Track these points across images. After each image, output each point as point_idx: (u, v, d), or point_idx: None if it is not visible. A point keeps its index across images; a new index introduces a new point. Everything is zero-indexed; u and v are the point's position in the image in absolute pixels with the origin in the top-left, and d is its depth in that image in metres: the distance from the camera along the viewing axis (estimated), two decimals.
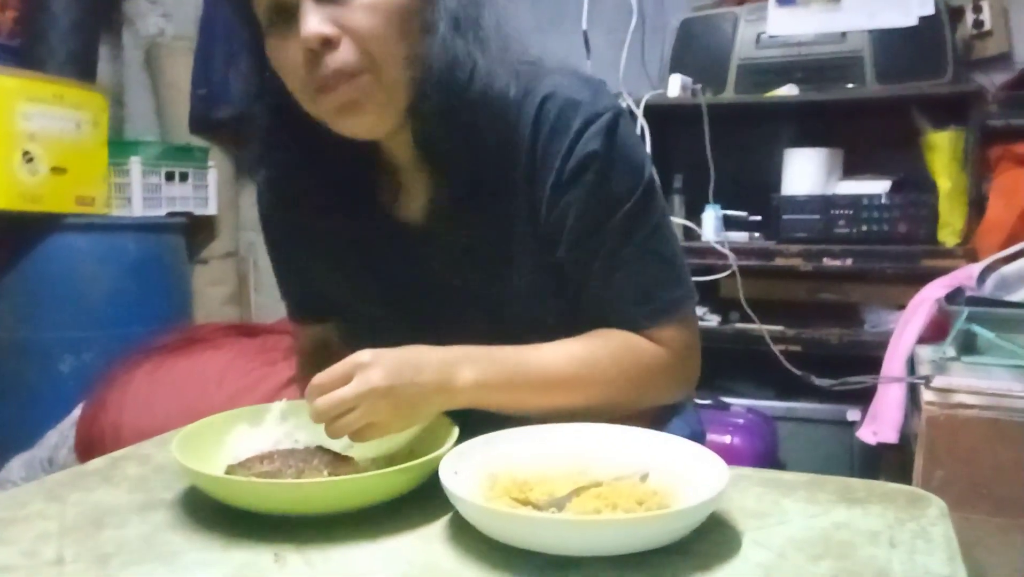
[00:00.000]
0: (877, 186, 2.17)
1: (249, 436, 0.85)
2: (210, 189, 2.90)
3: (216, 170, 2.91)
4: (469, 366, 0.82)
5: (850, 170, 2.27)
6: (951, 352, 1.45)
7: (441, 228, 0.91)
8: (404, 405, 0.78)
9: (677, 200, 2.34)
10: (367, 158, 0.92)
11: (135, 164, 2.61)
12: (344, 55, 0.78)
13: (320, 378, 0.76)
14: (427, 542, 0.68)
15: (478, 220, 0.89)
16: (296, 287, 1.08)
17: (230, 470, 0.78)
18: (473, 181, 0.87)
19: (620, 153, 0.86)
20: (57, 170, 2.35)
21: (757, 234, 2.32)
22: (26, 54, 2.62)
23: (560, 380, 0.86)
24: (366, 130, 0.84)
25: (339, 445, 0.82)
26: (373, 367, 0.76)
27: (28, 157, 2.28)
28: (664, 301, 0.89)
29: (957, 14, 2.23)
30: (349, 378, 0.76)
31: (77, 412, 2.15)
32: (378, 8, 0.79)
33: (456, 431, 0.80)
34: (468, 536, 0.67)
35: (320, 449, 0.82)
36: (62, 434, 2.18)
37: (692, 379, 0.94)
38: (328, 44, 0.78)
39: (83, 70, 2.65)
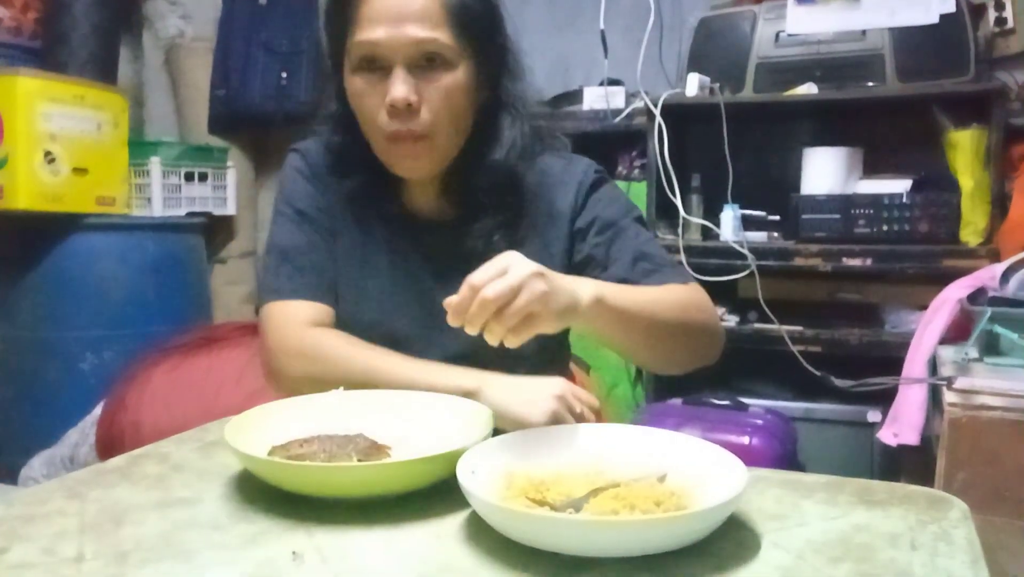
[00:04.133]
0: (898, 185, 2.15)
1: (302, 421, 0.87)
2: (229, 189, 2.92)
3: (235, 170, 2.93)
4: (587, 283, 0.87)
5: (870, 169, 2.25)
6: (973, 353, 1.43)
7: (441, 226, 1.07)
8: (557, 292, 0.81)
9: (695, 200, 2.32)
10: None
11: (155, 164, 2.63)
12: (420, 121, 0.97)
13: (478, 275, 0.77)
14: (443, 541, 0.68)
15: (472, 228, 1.05)
16: (307, 258, 1.08)
17: (272, 451, 0.80)
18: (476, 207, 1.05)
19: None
20: (78, 170, 2.38)
21: (776, 234, 2.31)
22: (48, 56, 2.65)
23: (652, 299, 0.96)
24: (417, 176, 1.05)
25: (388, 437, 0.84)
26: (523, 260, 0.80)
27: (50, 157, 2.30)
28: (685, 274, 1.09)
29: (979, 11, 2.20)
30: (505, 271, 0.77)
31: (97, 410, 2.17)
32: (451, 89, 0.97)
33: (491, 429, 0.80)
34: (485, 536, 0.67)
35: (360, 437, 0.83)
36: (83, 432, 2.20)
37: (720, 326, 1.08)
38: (409, 108, 0.95)
39: (104, 71, 2.68)
